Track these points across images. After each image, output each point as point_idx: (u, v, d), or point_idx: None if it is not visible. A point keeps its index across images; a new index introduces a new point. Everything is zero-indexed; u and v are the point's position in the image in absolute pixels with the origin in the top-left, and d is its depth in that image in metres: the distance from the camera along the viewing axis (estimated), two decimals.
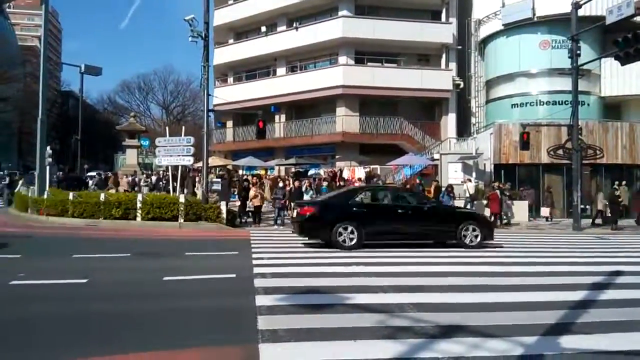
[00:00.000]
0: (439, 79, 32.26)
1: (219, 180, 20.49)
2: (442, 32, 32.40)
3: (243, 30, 38.20)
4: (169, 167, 21.15)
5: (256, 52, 35.42)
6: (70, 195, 18.05)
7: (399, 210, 12.78)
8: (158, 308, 6.40)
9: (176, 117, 69.08)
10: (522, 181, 24.76)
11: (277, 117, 34.93)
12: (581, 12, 19.76)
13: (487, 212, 20.81)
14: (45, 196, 18.85)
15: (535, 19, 27.43)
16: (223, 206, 17.35)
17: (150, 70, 77.54)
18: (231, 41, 38.63)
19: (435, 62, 33.42)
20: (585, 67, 21.35)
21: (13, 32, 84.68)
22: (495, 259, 11.14)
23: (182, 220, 16.39)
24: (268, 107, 32.14)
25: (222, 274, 8.47)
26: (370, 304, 6.53)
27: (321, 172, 28.47)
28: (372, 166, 27.84)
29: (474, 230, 12.73)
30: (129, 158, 30.96)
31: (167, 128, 23.75)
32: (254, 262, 9.72)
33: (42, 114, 20.38)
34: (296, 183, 19.88)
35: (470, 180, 23.02)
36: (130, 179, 25.26)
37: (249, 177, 24.99)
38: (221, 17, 37.52)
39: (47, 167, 20.65)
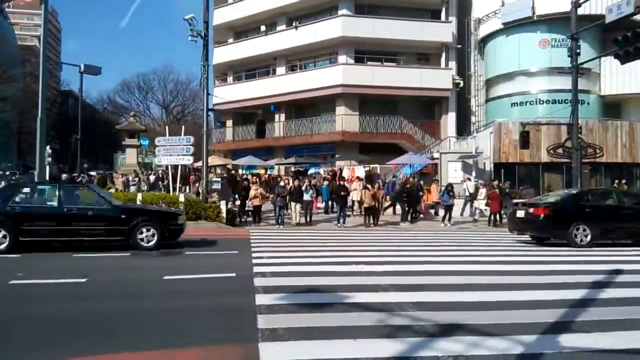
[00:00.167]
0: (438, 78, 32.25)
1: (219, 179, 20.50)
2: (442, 31, 32.39)
3: (243, 30, 38.18)
4: (169, 167, 21.17)
5: (256, 52, 35.42)
6: None
7: (625, 211, 13.63)
8: (158, 307, 6.40)
9: (176, 116, 69.07)
10: (521, 180, 24.76)
11: (276, 116, 34.92)
12: (581, 11, 19.74)
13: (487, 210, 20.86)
14: None
15: (535, 17, 27.40)
16: (223, 205, 17.34)
17: (150, 70, 77.60)
18: (231, 40, 38.62)
19: (435, 61, 33.41)
20: (585, 65, 21.35)
21: (12, 31, 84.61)
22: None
23: None
24: (268, 106, 32.12)
25: (222, 273, 8.47)
26: (370, 303, 6.53)
27: (321, 171, 28.47)
28: (371, 165, 27.84)
29: None
30: (129, 157, 30.98)
31: (166, 127, 23.74)
32: (254, 261, 9.72)
33: (42, 114, 20.30)
34: (296, 182, 19.87)
35: (470, 179, 23.04)
36: (124, 179, 25.37)
37: (249, 177, 24.97)
38: (221, 16, 37.51)
39: (47, 167, 20.64)
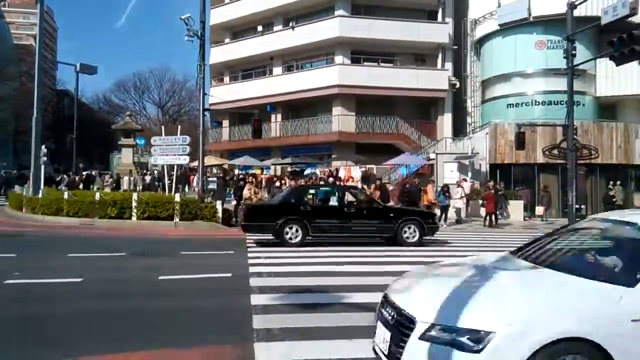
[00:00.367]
0: (435, 79, 32.30)
1: (215, 179, 20.49)
2: (438, 32, 32.43)
3: (239, 30, 38.12)
4: (165, 166, 21.14)
5: (252, 52, 35.37)
6: (65, 194, 18.02)
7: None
8: (153, 307, 6.39)
9: (172, 116, 68.86)
10: (517, 181, 24.84)
11: (273, 116, 34.89)
12: (577, 13, 19.79)
13: (482, 211, 20.92)
14: (40, 195, 18.80)
15: (531, 19, 27.48)
16: (219, 205, 17.33)
17: (146, 69, 77.17)
18: (227, 40, 38.57)
19: (431, 62, 33.45)
20: (580, 67, 21.37)
21: (8, 30, 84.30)
22: None
23: (177, 220, 16.35)
24: (264, 106, 32.07)
25: (217, 273, 8.46)
26: (366, 303, 6.53)
27: (317, 171, 28.46)
28: (368, 166, 27.84)
29: None
30: (125, 157, 30.88)
31: (162, 127, 23.70)
32: (250, 261, 9.72)
33: (37, 113, 20.32)
34: (292, 182, 19.86)
35: (466, 180, 23.09)
36: (110, 180, 25.52)
37: (245, 176, 24.94)
38: (217, 16, 37.47)
39: (42, 166, 20.60)
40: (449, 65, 33.01)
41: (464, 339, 3.15)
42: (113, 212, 16.66)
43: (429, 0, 32.69)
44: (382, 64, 32.74)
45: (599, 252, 4.32)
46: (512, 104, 29.82)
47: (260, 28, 34.94)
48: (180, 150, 18.91)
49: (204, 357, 4.70)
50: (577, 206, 19.74)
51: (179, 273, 8.40)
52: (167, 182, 20.86)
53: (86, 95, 79.17)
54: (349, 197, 13.77)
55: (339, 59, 32.41)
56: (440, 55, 32.92)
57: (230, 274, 8.41)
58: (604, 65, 26.80)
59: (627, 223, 4.28)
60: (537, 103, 29.04)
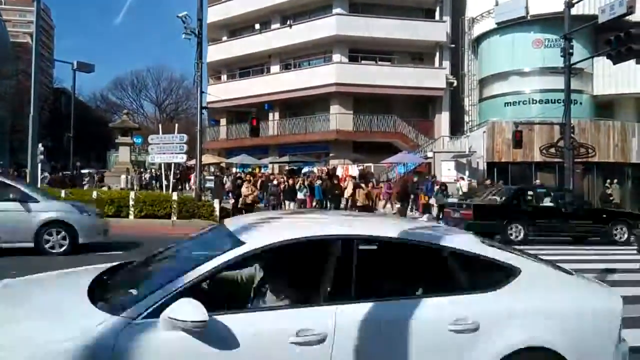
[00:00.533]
0: (432, 78, 32.31)
1: (212, 178, 20.49)
2: (436, 31, 32.44)
3: (237, 28, 38.07)
4: (162, 165, 21.11)
5: (250, 50, 35.33)
6: (62, 193, 17.97)
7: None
8: None
9: (169, 114, 68.79)
10: (514, 179, 24.86)
11: (270, 114, 34.86)
12: (574, 11, 19.84)
13: None
14: None
15: (529, 17, 27.48)
16: (216, 204, 17.33)
17: (144, 68, 77.01)
18: (225, 38, 38.51)
19: (428, 61, 33.46)
20: (577, 65, 21.44)
21: (5, 28, 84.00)
22: None
23: (175, 218, 16.34)
24: (262, 104, 32.08)
25: None
26: None
27: (315, 170, 28.46)
28: (365, 164, 27.86)
29: None
30: (122, 155, 30.81)
31: (160, 125, 23.68)
32: None
33: (34, 111, 20.22)
34: (290, 181, 19.87)
35: (463, 179, 23.10)
36: (88, 178, 25.69)
37: (242, 175, 24.93)
38: (215, 14, 37.38)
39: (39, 165, 20.54)
40: (446, 63, 33.03)
41: None
42: (110, 210, 16.64)
43: None
44: (379, 63, 32.74)
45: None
46: (510, 103, 29.86)
47: (257, 26, 34.92)
48: (177, 148, 18.90)
49: None
50: None
51: None
52: (164, 180, 20.84)
53: (83, 94, 78.91)
54: (568, 198, 15.13)
55: (336, 57, 32.39)
56: (437, 54, 32.94)
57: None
58: (601, 64, 26.85)
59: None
60: (535, 101, 29.08)
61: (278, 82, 33.82)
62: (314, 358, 2.90)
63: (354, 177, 24.11)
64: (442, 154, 25.54)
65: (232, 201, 19.38)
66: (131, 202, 16.58)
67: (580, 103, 28.25)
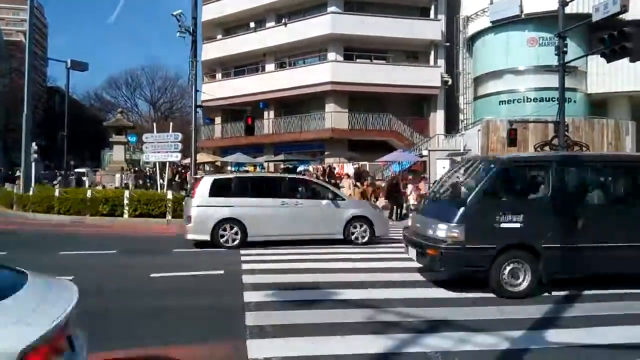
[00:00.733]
0: (427, 76, 32.33)
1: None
2: (431, 29, 32.46)
3: (231, 26, 37.96)
4: (157, 164, 21.05)
5: (245, 48, 35.24)
6: (56, 192, 17.91)
7: None
8: (145, 305, 6.37)
9: (164, 113, 68.50)
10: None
11: (265, 113, 34.81)
12: (568, 10, 19.84)
13: None
14: (30, 192, 18.67)
15: (523, 16, 27.49)
16: None
17: (138, 66, 76.52)
18: (219, 37, 38.41)
19: (423, 59, 33.49)
20: (571, 64, 21.47)
21: None
22: None
23: (170, 217, 16.28)
24: (257, 103, 32.02)
25: (210, 271, 8.44)
26: (359, 300, 6.55)
27: (310, 168, 28.44)
28: (361, 162, 27.86)
29: None
30: (116, 154, 30.73)
31: (154, 124, 23.61)
32: (242, 258, 9.69)
33: (28, 110, 20.20)
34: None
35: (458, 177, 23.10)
36: (60, 178, 25.84)
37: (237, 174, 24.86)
38: (209, 12, 37.27)
39: (33, 163, 20.46)
40: (441, 62, 33.07)
41: None
42: (105, 209, 16.59)
43: None
44: (374, 61, 32.75)
45: None
46: (504, 101, 29.93)
47: (252, 24, 34.84)
48: (172, 147, 18.85)
49: (196, 354, 4.69)
50: None
51: (170, 271, 8.37)
52: (159, 179, 20.77)
53: (77, 92, 78.53)
54: None
55: (331, 55, 32.37)
56: (432, 52, 32.97)
57: (222, 271, 8.39)
58: (595, 62, 26.97)
59: None
60: (529, 100, 29.16)
61: (273, 81, 33.76)
62: None
63: (348, 175, 24.16)
64: (437, 152, 25.55)
65: None
66: (126, 201, 16.52)
67: (575, 101, 28.35)
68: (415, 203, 20.61)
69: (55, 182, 25.16)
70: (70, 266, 8.65)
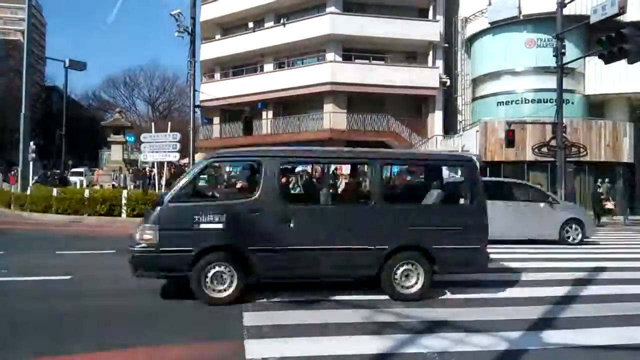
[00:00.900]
0: (425, 77, 32.33)
1: (205, 176, 20.41)
2: (429, 30, 32.46)
3: (230, 26, 37.94)
4: (155, 164, 21.02)
5: (243, 48, 35.23)
6: (54, 192, 17.88)
7: None
8: (143, 304, 6.36)
9: (162, 113, 68.45)
10: (507, 178, 24.93)
11: (264, 113, 34.79)
12: (566, 11, 19.94)
13: None
14: (28, 192, 18.64)
15: (521, 17, 27.59)
16: None
17: (136, 66, 76.43)
18: (218, 37, 38.38)
19: (422, 60, 33.50)
20: (569, 65, 21.56)
21: None
22: None
23: None
24: (255, 103, 31.99)
25: None
26: (357, 300, 6.54)
27: (308, 169, 28.42)
28: None
29: None
30: (114, 154, 30.73)
31: (153, 124, 23.58)
32: None
33: (26, 109, 20.17)
34: (283, 179, 19.80)
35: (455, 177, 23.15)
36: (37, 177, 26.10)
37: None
38: (208, 12, 37.25)
39: (30, 163, 20.43)
40: (439, 63, 33.07)
41: None
42: (102, 209, 16.57)
43: None
44: (373, 62, 32.73)
45: None
46: (502, 102, 29.96)
47: (251, 25, 34.82)
48: (170, 147, 18.83)
49: (193, 354, 4.68)
50: None
51: None
52: (157, 179, 20.75)
53: (75, 92, 78.50)
54: None
55: (330, 56, 32.37)
56: (431, 53, 32.97)
57: None
58: (593, 64, 27.00)
59: None
60: (527, 101, 29.19)
61: (271, 81, 33.74)
62: None
63: (345, 175, 24.10)
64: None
65: None
66: (123, 201, 16.50)
67: (572, 102, 28.39)
68: None
69: (33, 182, 24.97)
70: (67, 266, 8.64)
